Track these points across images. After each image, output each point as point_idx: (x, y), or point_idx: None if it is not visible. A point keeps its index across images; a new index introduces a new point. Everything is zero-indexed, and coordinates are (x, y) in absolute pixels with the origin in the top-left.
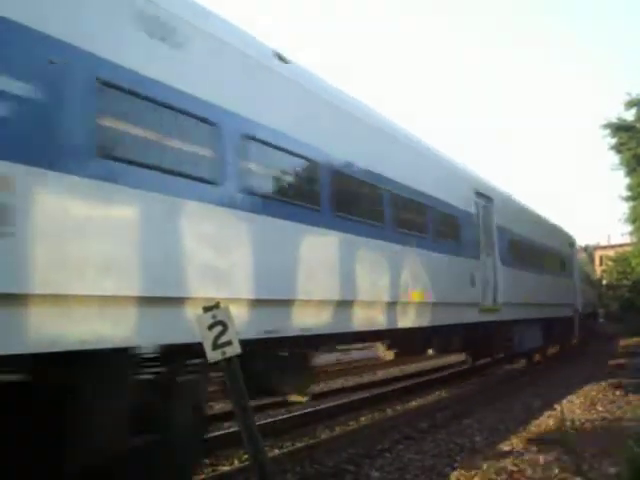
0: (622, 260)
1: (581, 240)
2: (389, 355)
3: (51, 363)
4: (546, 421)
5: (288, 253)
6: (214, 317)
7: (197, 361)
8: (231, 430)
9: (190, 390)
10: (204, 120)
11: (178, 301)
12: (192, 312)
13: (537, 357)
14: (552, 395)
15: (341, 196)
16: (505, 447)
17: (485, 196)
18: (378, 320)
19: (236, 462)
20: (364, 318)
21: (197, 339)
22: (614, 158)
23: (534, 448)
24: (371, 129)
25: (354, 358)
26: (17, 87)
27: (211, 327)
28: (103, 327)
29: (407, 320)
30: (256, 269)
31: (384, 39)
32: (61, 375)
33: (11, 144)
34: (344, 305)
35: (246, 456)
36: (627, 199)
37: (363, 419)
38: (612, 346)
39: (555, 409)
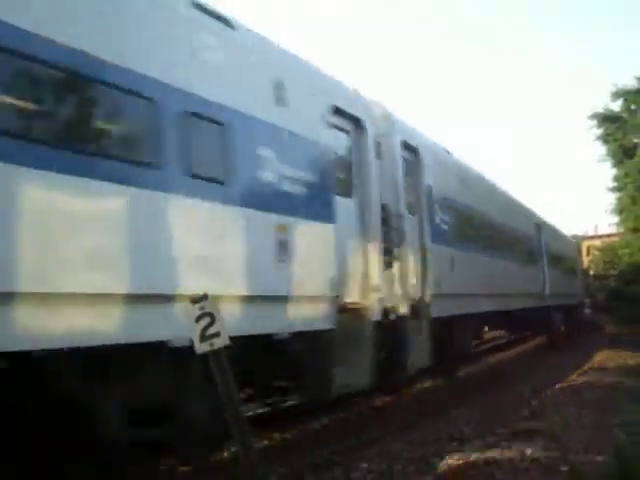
0: (609, 250)
1: (568, 230)
2: None
3: None
4: (533, 411)
5: None
6: (202, 309)
7: None
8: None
9: None
10: None
11: None
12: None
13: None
14: (539, 385)
15: None
16: (493, 438)
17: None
18: None
19: (225, 453)
20: None
21: None
22: (601, 149)
23: (522, 438)
24: None
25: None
26: None
27: (199, 319)
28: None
29: None
30: None
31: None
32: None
33: None
34: None
35: (234, 447)
36: (613, 190)
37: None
38: (599, 337)
39: (542, 399)
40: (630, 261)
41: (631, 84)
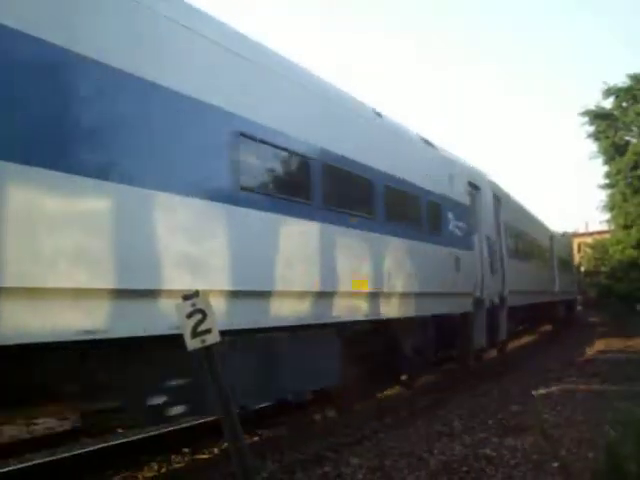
0: (600, 247)
1: (559, 227)
2: None
3: None
4: (524, 407)
5: None
6: (193, 305)
7: None
8: (210, 418)
9: None
10: None
11: None
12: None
13: None
14: (530, 382)
15: None
16: (483, 433)
17: None
18: None
19: (216, 450)
20: None
21: None
22: (592, 146)
23: (513, 434)
24: None
25: None
26: None
27: (190, 315)
28: None
29: None
30: None
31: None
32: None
33: None
34: None
35: (226, 444)
36: (605, 187)
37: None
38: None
39: (533, 395)
40: (621, 258)
41: (623, 81)
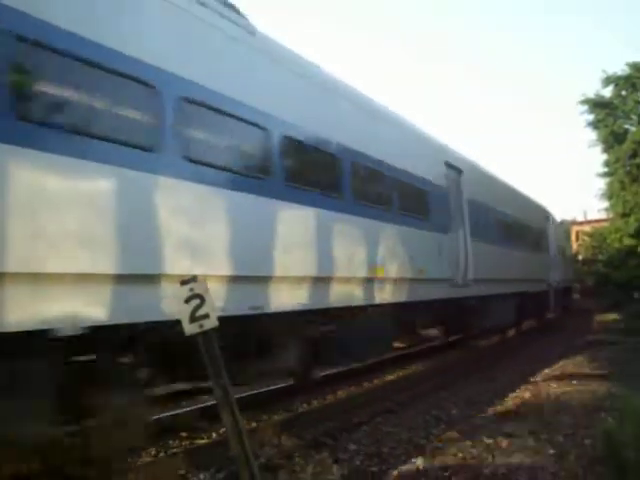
0: (598, 235)
1: (558, 215)
2: None
3: None
4: (522, 394)
5: None
6: (191, 290)
7: None
8: (208, 404)
9: None
10: None
11: None
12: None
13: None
14: (529, 369)
15: None
16: (481, 420)
17: None
18: None
19: (214, 435)
20: None
21: None
22: (592, 134)
23: (510, 421)
24: None
25: None
26: None
27: (188, 300)
28: None
29: None
30: None
31: None
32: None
33: None
34: None
35: (223, 429)
36: (603, 175)
37: (340, 392)
38: (587, 323)
39: (531, 382)
40: (619, 246)
41: (622, 69)
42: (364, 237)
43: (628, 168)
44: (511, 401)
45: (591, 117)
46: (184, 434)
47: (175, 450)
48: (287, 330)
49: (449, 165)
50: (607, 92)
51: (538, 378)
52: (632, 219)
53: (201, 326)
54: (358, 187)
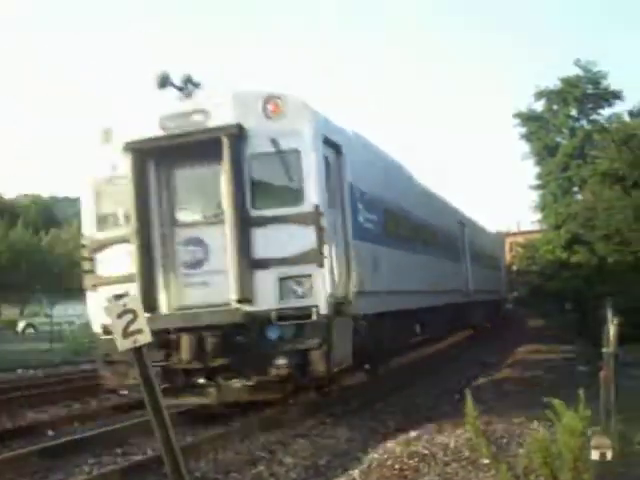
0: (531, 246)
1: (492, 227)
2: None
3: None
4: (456, 406)
5: None
6: (124, 305)
7: None
8: (143, 419)
9: None
10: None
11: None
12: None
13: None
14: (461, 380)
15: None
16: (417, 431)
17: None
18: None
19: (149, 451)
20: None
21: None
22: (525, 147)
23: (445, 432)
24: None
25: None
26: None
27: (120, 315)
28: None
29: None
30: None
31: None
32: None
33: None
34: None
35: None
36: (536, 188)
37: (277, 406)
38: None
39: (464, 393)
40: (551, 258)
41: (555, 84)
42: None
43: (560, 181)
44: (445, 414)
45: (524, 130)
46: (119, 450)
47: (109, 467)
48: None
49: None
50: (539, 106)
51: None
52: (563, 231)
53: (135, 341)
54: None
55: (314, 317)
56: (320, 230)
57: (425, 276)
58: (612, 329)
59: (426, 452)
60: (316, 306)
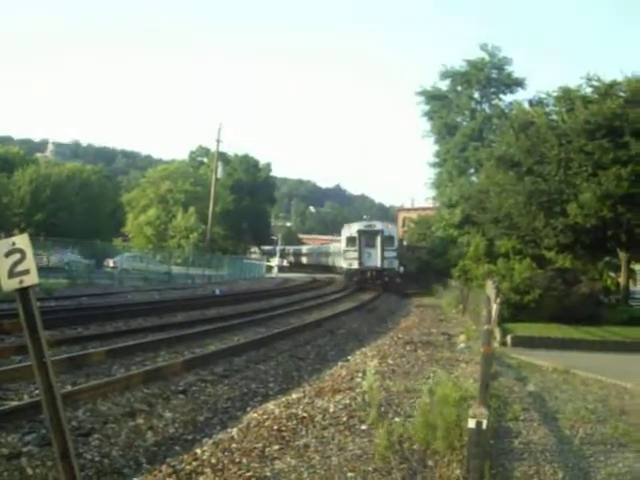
0: (423, 223)
1: (386, 202)
2: None
3: None
4: (339, 371)
5: None
6: (13, 244)
7: None
8: (23, 364)
9: None
10: None
11: None
12: None
13: None
14: (346, 347)
15: None
16: (297, 394)
17: None
18: None
19: (26, 397)
20: None
21: None
22: (426, 125)
23: (325, 397)
24: None
25: None
26: None
27: (8, 254)
28: None
29: None
30: None
31: None
32: None
33: None
34: None
35: (37, 391)
36: (434, 165)
37: (160, 360)
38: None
39: (348, 360)
40: (442, 235)
41: (460, 65)
42: None
43: (457, 161)
44: (328, 377)
45: (427, 108)
46: None
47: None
48: None
49: None
50: (444, 85)
51: None
52: (458, 210)
53: (21, 282)
54: None
55: None
56: None
57: None
58: (494, 308)
59: (305, 415)
60: None
